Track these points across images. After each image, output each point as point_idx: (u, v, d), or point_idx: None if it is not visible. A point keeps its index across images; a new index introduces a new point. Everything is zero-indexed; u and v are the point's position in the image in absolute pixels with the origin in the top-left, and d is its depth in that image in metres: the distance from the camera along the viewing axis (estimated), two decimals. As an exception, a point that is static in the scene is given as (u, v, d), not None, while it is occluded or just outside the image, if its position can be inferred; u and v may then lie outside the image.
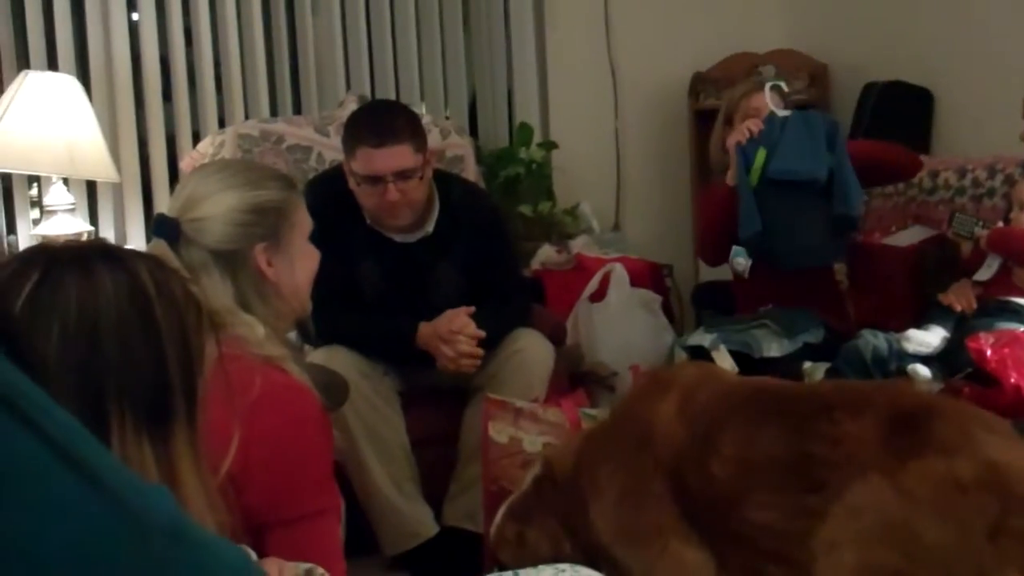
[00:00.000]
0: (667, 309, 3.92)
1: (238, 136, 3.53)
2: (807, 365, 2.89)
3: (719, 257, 3.26)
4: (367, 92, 4.18)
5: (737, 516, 1.79)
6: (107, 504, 0.69)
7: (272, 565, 1.31)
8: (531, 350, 2.87)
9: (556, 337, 3.14)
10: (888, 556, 1.54)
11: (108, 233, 3.80)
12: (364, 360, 2.78)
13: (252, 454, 1.49)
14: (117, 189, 3.83)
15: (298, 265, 1.74)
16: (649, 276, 3.98)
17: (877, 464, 1.62)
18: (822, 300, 3.16)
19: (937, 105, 4.06)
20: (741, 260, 3.04)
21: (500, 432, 2.55)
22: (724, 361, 2.89)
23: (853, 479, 1.64)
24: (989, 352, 2.46)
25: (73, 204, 3.56)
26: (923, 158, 3.60)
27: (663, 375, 2.24)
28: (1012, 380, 2.40)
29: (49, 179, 3.55)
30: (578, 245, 4.15)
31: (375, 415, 2.78)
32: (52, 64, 3.75)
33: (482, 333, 2.78)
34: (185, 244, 1.65)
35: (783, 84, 3.24)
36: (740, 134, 3.10)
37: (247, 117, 3.98)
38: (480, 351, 2.79)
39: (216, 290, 1.62)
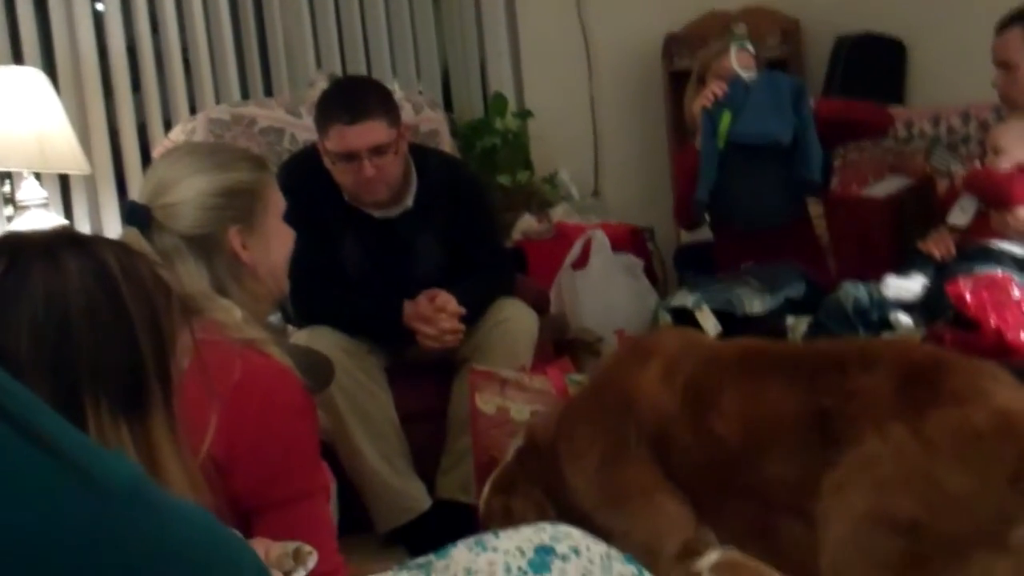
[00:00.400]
0: (650, 272, 3.93)
1: (209, 121, 3.50)
2: (790, 320, 2.91)
3: (694, 221, 3.32)
4: (338, 70, 4.15)
5: (746, 471, 1.81)
6: (64, 470, 0.72)
7: (259, 545, 1.31)
8: (515, 320, 2.87)
9: (540, 306, 3.15)
10: (905, 504, 1.55)
11: (84, 226, 3.78)
12: (348, 338, 2.78)
13: (236, 439, 1.49)
14: (90, 181, 3.81)
15: (273, 246, 1.73)
16: (630, 240, 3.98)
17: (895, 414, 1.64)
18: (802, 255, 3.18)
19: (910, 55, 4.06)
20: None
21: (487, 403, 2.56)
22: (707, 320, 2.90)
23: (869, 430, 1.65)
24: (969, 296, 2.47)
25: (46, 199, 3.53)
26: (897, 109, 3.61)
27: (643, 343, 2.25)
28: (992, 323, 2.41)
29: (20, 174, 3.52)
30: (558, 213, 4.15)
31: (362, 393, 2.78)
32: (17, 58, 3.71)
33: (463, 310, 2.78)
34: (157, 230, 1.64)
35: (749, 45, 3.23)
36: (705, 98, 3.12)
37: (218, 102, 3.95)
38: (462, 326, 2.79)
39: (191, 275, 1.61)
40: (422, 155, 2.98)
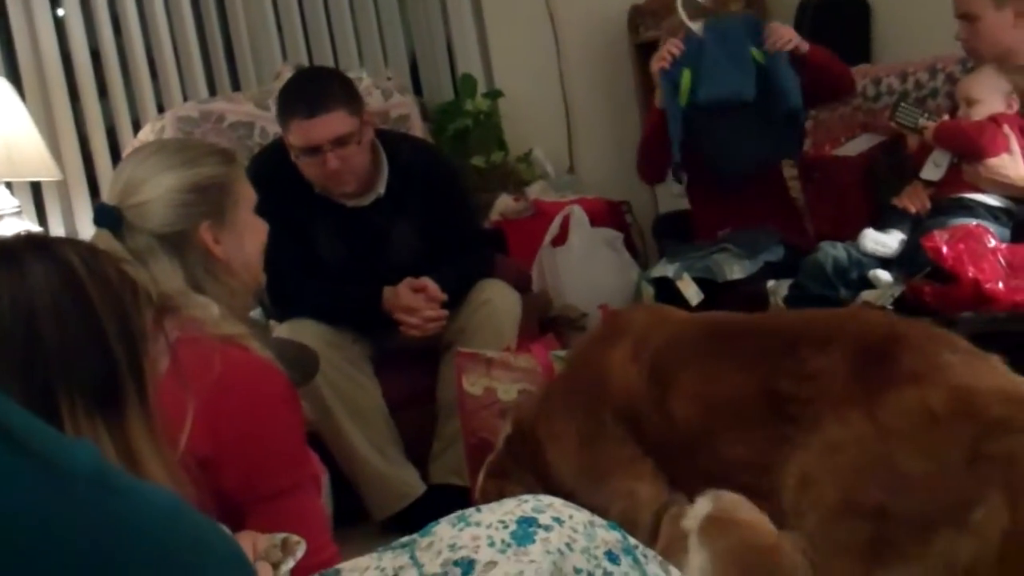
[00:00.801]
0: (630, 245, 3.93)
1: (178, 120, 3.48)
2: (771, 283, 2.92)
3: (655, 176, 3.40)
4: (304, 61, 4.13)
5: (706, 454, 1.80)
6: (24, 458, 0.72)
7: (246, 538, 1.31)
8: (497, 300, 2.87)
9: (521, 285, 3.15)
10: (871, 491, 1.55)
11: (58, 232, 3.75)
12: (331, 330, 2.78)
13: (221, 435, 1.48)
14: (63, 188, 3.78)
15: (246, 239, 1.72)
16: (609, 214, 3.98)
17: (852, 399, 1.63)
18: (779, 218, 3.18)
19: (874, 14, 4.06)
20: None
21: (474, 384, 2.56)
22: (689, 289, 2.91)
23: (827, 414, 1.65)
24: (945, 249, 2.48)
25: (18, 207, 3.50)
26: (864, 67, 3.62)
27: (615, 321, 2.25)
28: (970, 274, 2.42)
29: (-9, 184, 3.49)
30: (535, 191, 4.14)
31: (349, 383, 2.78)
32: (-21, 67, 3.68)
33: (444, 296, 2.78)
34: (129, 230, 1.62)
35: None
36: (661, 59, 3.11)
37: (185, 100, 3.92)
38: (444, 312, 2.79)
39: (165, 274, 1.60)
40: (392, 141, 2.97)
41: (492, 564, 1.16)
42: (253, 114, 3.53)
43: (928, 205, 2.84)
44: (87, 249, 1.06)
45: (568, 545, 1.18)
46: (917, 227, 2.79)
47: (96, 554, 0.74)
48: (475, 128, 4.24)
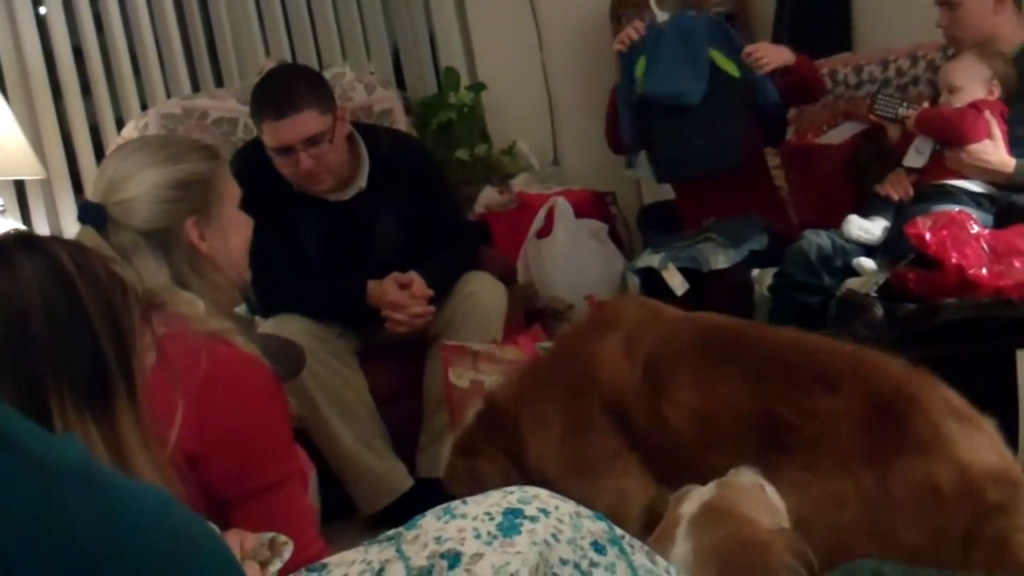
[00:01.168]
0: (615, 236, 3.94)
1: (161, 116, 3.47)
2: (755, 272, 2.93)
3: (617, 149, 3.47)
4: (287, 56, 4.12)
5: (695, 461, 1.80)
6: (11, 455, 0.73)
7: (234, 537, 1.31)
8: (483, 292, 2.87)
9: (506, 277, 3.15)
10: (867, 549, 1.59)
11: (43, 230, 3.74)
12: (316, 324, 2.78)
13: (207, 431, 1.48)
14: (47, 186, 3.77)
15: (231, 235, 1.72)
16: (593, 205, 3.99)
17: (860, 455, 1.66)
18: (762, 207, 3.19)
19: (855, 2, 4.07)
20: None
21: (460, 377, 2.56)
22: (674, 279, 2.92)
23: (828, 460, 1.67)
24: (928, 235, 2.49)
25: (2, 206, 3.50)
26: (846, 55, 3.63)
27: (605, 313, 2.24)
28: (953, 260, 2.43)
29: (-26, 184, 3.48)
30: (519, 184, 4.14)
31: (335, 378, 2.78)
32: (-39, 66, 3.66)
33: (431, 292, 2.78)
34: (113, 228, 1.62)
35: None
36: (619, 41, 3.13)
37: (169, 96, 3.91)
38: (431, 308, 2.79)
39: (151, 270, 1.60)
40: (373, 134, 2.97)
41: (479, 556, 1.16)
42: (236, 110, 3.52)
43: (911, 192, 2.85)
44: (77, 247, 1.07)
45: (554, 536, 1.19)
46: (900, 214, 2.80)
47: (83, 551, 0.74)
48: (459, 121, 4.23)
